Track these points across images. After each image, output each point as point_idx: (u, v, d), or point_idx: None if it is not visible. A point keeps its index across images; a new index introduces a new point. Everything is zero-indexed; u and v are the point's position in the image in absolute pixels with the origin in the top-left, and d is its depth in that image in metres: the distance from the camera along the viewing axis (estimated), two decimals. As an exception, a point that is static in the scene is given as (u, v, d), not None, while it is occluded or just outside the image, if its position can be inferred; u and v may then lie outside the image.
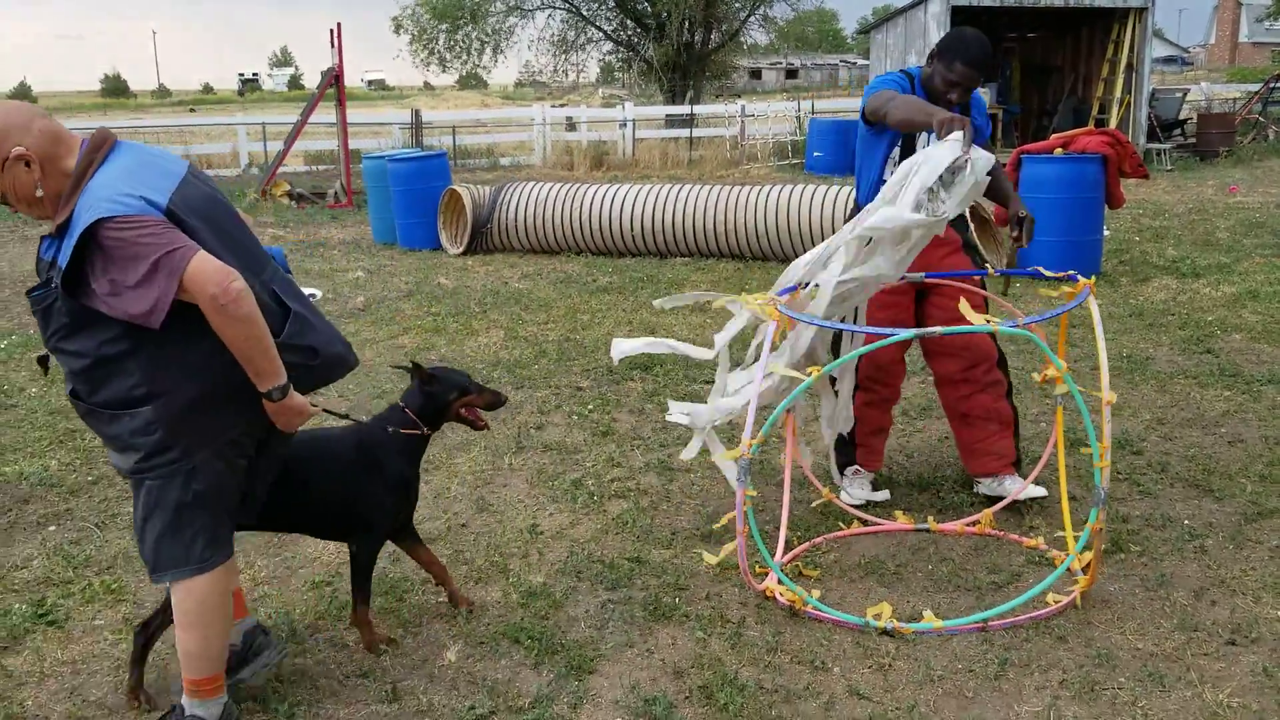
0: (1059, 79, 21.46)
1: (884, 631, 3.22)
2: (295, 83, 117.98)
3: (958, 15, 18.27)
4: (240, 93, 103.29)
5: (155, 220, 2.42)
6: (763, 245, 9.69)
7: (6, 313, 8.36)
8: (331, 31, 15.69)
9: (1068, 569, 3.46)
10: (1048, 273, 3.83)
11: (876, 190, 3.97)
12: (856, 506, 4.17)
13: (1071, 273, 3.66)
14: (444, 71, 27.17)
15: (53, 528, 4.28)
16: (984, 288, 4.19)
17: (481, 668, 3.15)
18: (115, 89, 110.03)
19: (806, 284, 3.72)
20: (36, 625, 3.48)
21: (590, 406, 5.60)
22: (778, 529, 3.91)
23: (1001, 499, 4.09)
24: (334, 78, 15.67)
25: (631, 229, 10.14)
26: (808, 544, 3.90)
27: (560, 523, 4.18)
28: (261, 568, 3.88)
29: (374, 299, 8.59)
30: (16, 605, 3.61)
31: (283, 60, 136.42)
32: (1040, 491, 4.10)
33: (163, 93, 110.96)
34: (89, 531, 4.22)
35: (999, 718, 2.82)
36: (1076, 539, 3.57)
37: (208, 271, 2.40)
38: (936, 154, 3.31)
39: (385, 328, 7.55)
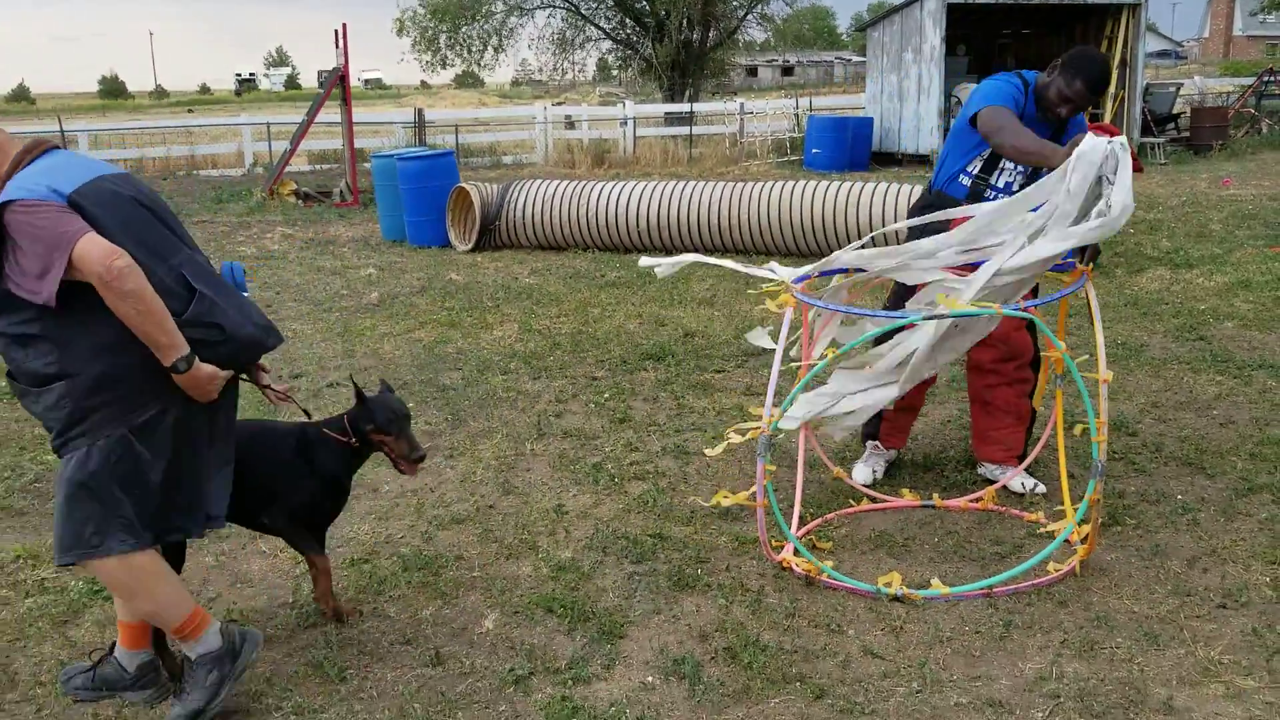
0: (1054, 75, 21.65)
1: (895, 598, 3.44)
2: (292, 82, 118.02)
3: (953, 13, 18.46)
4: (237, 93, 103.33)
5: (54, 205, 2.63)
6: (765, 240, 9.90)
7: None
8: (336, 32, 15.87)
9: (1066, 539, 3.66)
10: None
11: (954, 182, 4.16)
12: (866, 485, 4.38)
13: (1070, 260, 3.86)
14: (444, 69, 27.34)
15: (97, 512, 4.48)
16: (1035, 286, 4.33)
17: (518, 634, 3.36)
18: (113, 90, 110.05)
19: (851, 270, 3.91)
20: (93, 600, 3.68)
21: (606, 395, 5.81)
22: (792, 506, 4.12)
23: (1006, 486, 4.30)
24: (339, 78, 15.86)
25: (638, 225, 10.35)
26: (820, 520, 4.11)
27: (584, 503, 4.39)
28: (301, 547, 4.08)
29: (388, 295, 8.79)
30: (73, 582, 3.81)
31: (279, 60, 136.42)
32: (1039, 487, 4.29)
33: (160, 93, 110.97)
34: (133, 515, 4.42)
35: (1005, 673, 3.03)
36: (1075, 511, 3.77)
37: (93, 250, 2.59)
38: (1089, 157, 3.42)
39: (401, 322, 7.75)
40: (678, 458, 4.86)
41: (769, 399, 3.56)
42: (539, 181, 11.24)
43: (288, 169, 16.69)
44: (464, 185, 11.19)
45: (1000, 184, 4.20)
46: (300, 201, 15.58)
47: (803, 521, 4.08)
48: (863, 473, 4.50)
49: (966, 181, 4.24)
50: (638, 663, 3.17)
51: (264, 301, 8.61)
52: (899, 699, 2.93)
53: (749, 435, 3.89)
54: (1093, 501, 3.44)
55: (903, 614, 3.37)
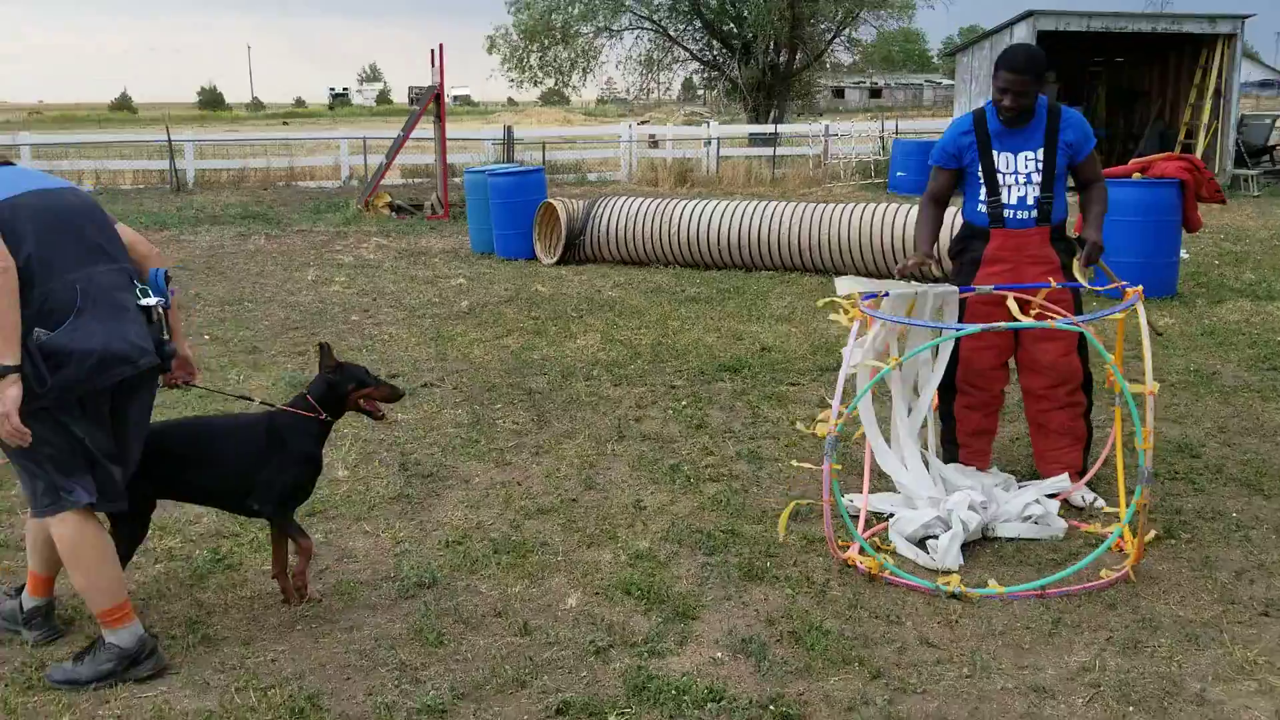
0: (1146, 104, 21.47)
1: (952, 595, 3.66)
2: (384, 97, 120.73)
3: (1043, 39, 18.46)
4: (331, 107, 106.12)
5: None
6: (846, 260, 10.11)
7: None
8: (433, 51, 16.46)
9: (1113, 545, 3.86)
10: (1094, 288, 4.26)
11: (975, 211, 4.46)
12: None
13: (1123, 283, 4.06)
14: (534, 87, 28.00)
15: (215, 492, 4.89)
16: (1078, 302, 4.56)
17: (599, 612, 3.65)
18: (211, 101, 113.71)
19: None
20: (216, 567, 4.07)
21: (684, 402, 6.10)
22: (857, 513, 4.37)
23: (1068, 499, 4.49)
24: (435, 95, 16.45)
25: (719, 243, 10.64)
26: (883, 524, 4.34)
27: (661, 500, 4.68)
28: (401, 528, 4.44)
29: (477, 303, 9.20)
30: (197, 552, 4.21)
31: (372, 76, 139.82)
32: (1099, 501, 4.47)
33: (257, 105, 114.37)
34: (247, 495, 4.82)
35: (1050, 664, 3.25)
36: (1124, 516, 3.96)
37: None
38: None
39: (490, 329, 8.14)
40: (751, 462, 5.13)
41: (836, 400, 3.83)
42: (623, 198, 11.60)
43: (382, 182, 17.31)
44: (551, 201, 11.60)
45: (1013, 201, 4.45)
46: (393, 214, 16.16)
47: (868, 525, 4.32)
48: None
49: (984, 209, 4.50)
50: (708, 641, 3.44)
51: (361, 308, 9.08)
52: (949, 682, 3.16)
53: (814, 428, 4.14)
54: (1140, 506, 3.63)
55: (958, 610, 3.60)
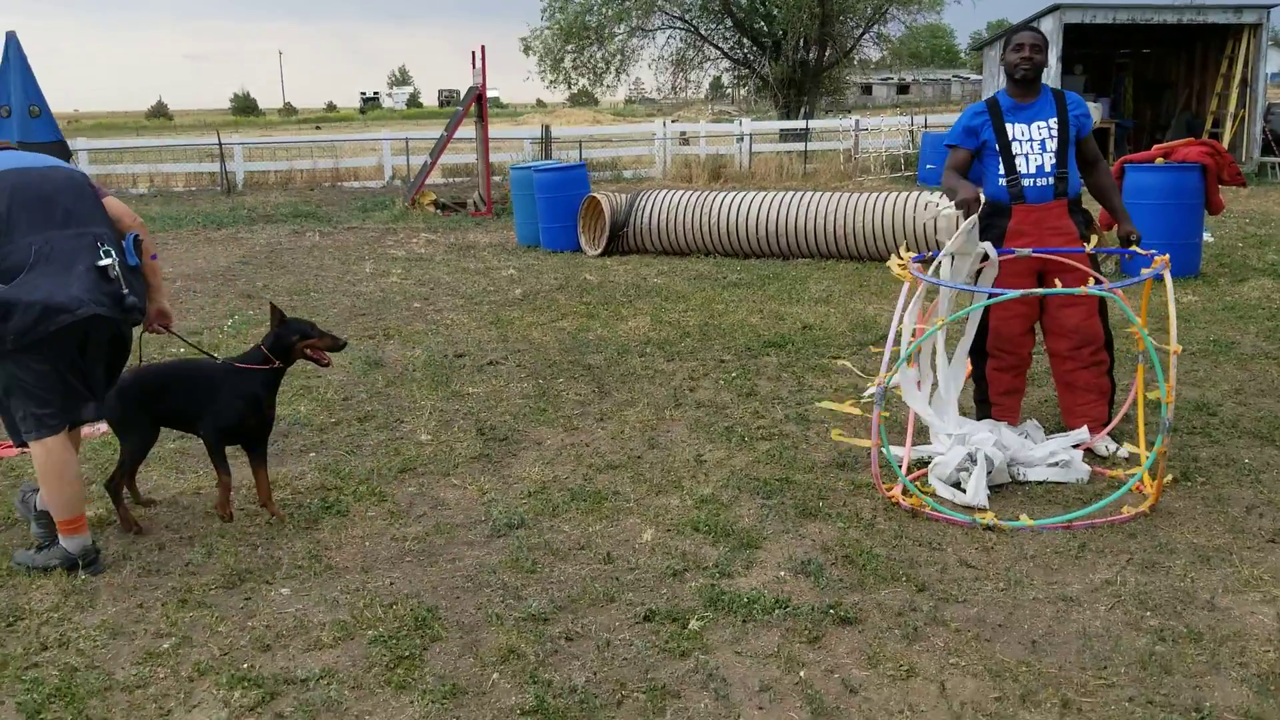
0: (1173, 94, 21.70)
1: (987, 527, 4.10)
2: (414, 100, 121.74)
3: (1070, 32, 18.77)
4: (362, 111, 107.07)
5: None
6: (879, 246, 10.52)
7: (220, 299, 9.67)
8: (474, 54, 17.01)
9: (1133, 487, 4.28)
10: (1139, 250, 4.67)
11: (996, 187, 4.87)
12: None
13: (1153, 251, 4.48)
14: (569, 88, 28.51)
15: (313, 454, 5.39)
16: (1097, 269, 4.98)
17: (672, 543, 4.12)
18: (245, 107, 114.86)
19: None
20: (327, 514, 4.56)
21: (734, 374, 6.55)
22: (900, 460, 4.80)
23: (1091, 448, 4.91)
24: (476, 97, 16.98)
25: (757, 232, 11.08)
26: (923, 470, 4.77)
27: (719, 456, 5.14)
28: (485, 482, 4.91)
29: (530, 291, 9.68)
30: (308, 500, 4.70)
31: (401, 79, 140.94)
32: (1121, 450, 4.89)
33: (289, 110, 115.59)
34: (342, 456, 5.32)
35: (1076, 580, 3.68)
36: (1145, 461, 4.38)
37: None
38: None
39: (545, 313, 8.62)
40: (799, 424, 5.57)
41: (884, 360, 4.27)
42: (664, 191, 12.07)
43: (425, 181, 17.86)
44: (595, 195, 12.08)
45: (1031, 170, 4.85)
46: (438, 211, 16.70)
47: (909, 471, 4.76)
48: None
49: (1004, 183, 4.91)
50: (771, 564, 3.90)
51: (421, 296, 9.59)
52: (986, 593, 3.60)
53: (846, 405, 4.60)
54: (1160, 453, 4.06)
55: (993, 539, 4.04)
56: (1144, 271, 4.52)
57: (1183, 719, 2.87)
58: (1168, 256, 4.45)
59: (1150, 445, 4.59)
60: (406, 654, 3.34)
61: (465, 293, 9.72)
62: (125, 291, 3.97)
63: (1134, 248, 4.80)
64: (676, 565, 3.91)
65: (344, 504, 4.65)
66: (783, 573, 3.83)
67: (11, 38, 10.83)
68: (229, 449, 4.54)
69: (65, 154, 11.07)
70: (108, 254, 3.94)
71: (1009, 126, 4.87)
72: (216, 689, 3.17)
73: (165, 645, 3.44)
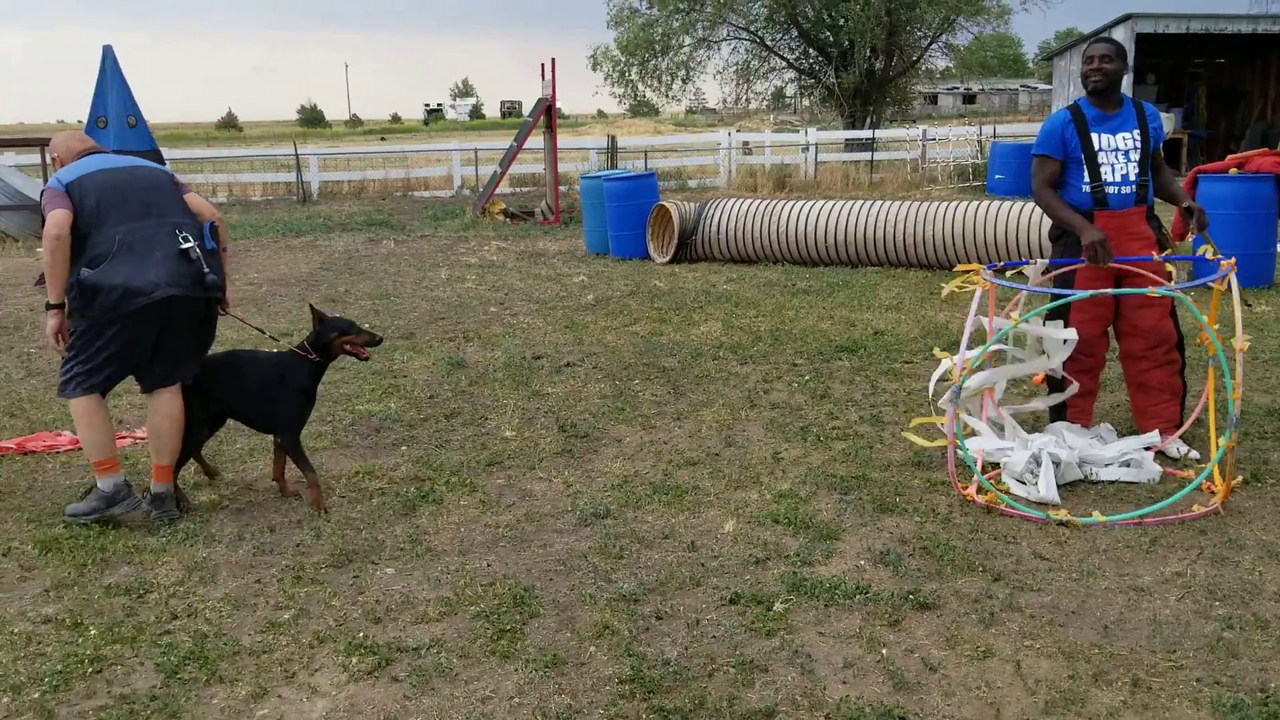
0: (1247, 104, 21.44)
1: (1060, 523, 4.23)
2: (476, 112, 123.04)
3: (1143, 42, 18.66)
4: (425, 122, 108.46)
5: (55, 190, 4.40)
6: (949, 255, 10.61)
7: (305, 302, 10.03)
8: (543, 65, 17.33)
9: (1203, 484, 4.39)
10: (1208, 255, 4.78)
11: (1079, 194, 5.02)
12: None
13: (1219, 256, 4.58)
14: (635, 99, 28.80)
15: (404, 448, 5.65)
16: (1170, 279, 5.09)
17: (754, 534, 4.30)
18: (312, 119, 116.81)
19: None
20: (423, 502, 4.81)
21: (807, 377, 6.72)
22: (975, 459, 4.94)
23: (1162, 450, 5.01)
24: (546, 108, 17.31)
25: (826, 240, 11.23)
26: (997, 470, 4.91)
27: (795, 454, 5.31)
28: (569, 475, 5.13)
29: (602, 297, 9.92)
30: (404, 490, 4.96)
31: (464, 91, 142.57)
32: (1193, 453, 4.99)
33: (355, 122, 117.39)
34: (432, 450, 5.58)
35: (1147, 572, 3.81)
36: (1213, 458, 4.48)
37: (49, 219, 4.31)
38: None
39: (618, 318, 8.85)
40: (873, 425, 5.73)
41: (959, 357, 4.43)
42: (732, 200, 12.25)
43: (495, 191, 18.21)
44: (664, 203, 12.31)
45: (1116, 179, 4.96)
46: (508, 220, 17.04)
47: (985, 470, 4.89)
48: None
49: (1087, 190, 5.01)
50: (850, 554, 4.07)
51: (496, 301, 9.87)
52: (1060, 583, 3.74)
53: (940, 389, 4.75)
54: (1228, 449, 4.16)
55: (1066, 534, 4.17)
56: (1222, 267, 4.61)
57: (1248, 699, 2.99)
58: (1234, 260, 4.55)
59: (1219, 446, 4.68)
60: (507, 628, 3.56)
61: (539, 298, 9.99)
62: (206, 271, 4.54)
63: (1202, 225, 4.87)
64: (759, 554, 4.10)
65: (438, 493, 4.90)
66: (862, 562, 4.00)
67: (108, 51, 11.34)
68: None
69: (159, 163, 11.55)
70: (186, 239, 4.52)
71: (1095, 136, 4.99)
72: (335, 655, 3.42)
73: (285, 616, 3.70)
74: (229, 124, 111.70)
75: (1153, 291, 4.27)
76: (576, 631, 3.53)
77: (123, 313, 4.36)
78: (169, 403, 4.62)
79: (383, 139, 59.73)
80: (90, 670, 3.35)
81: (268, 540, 4.39)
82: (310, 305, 5.05)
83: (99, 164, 4.57)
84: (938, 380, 4.90)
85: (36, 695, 3.22)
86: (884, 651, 3.33)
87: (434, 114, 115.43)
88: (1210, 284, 4.61)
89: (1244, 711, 2.94)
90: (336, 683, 3.27)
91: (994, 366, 5.06)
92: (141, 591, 3.92)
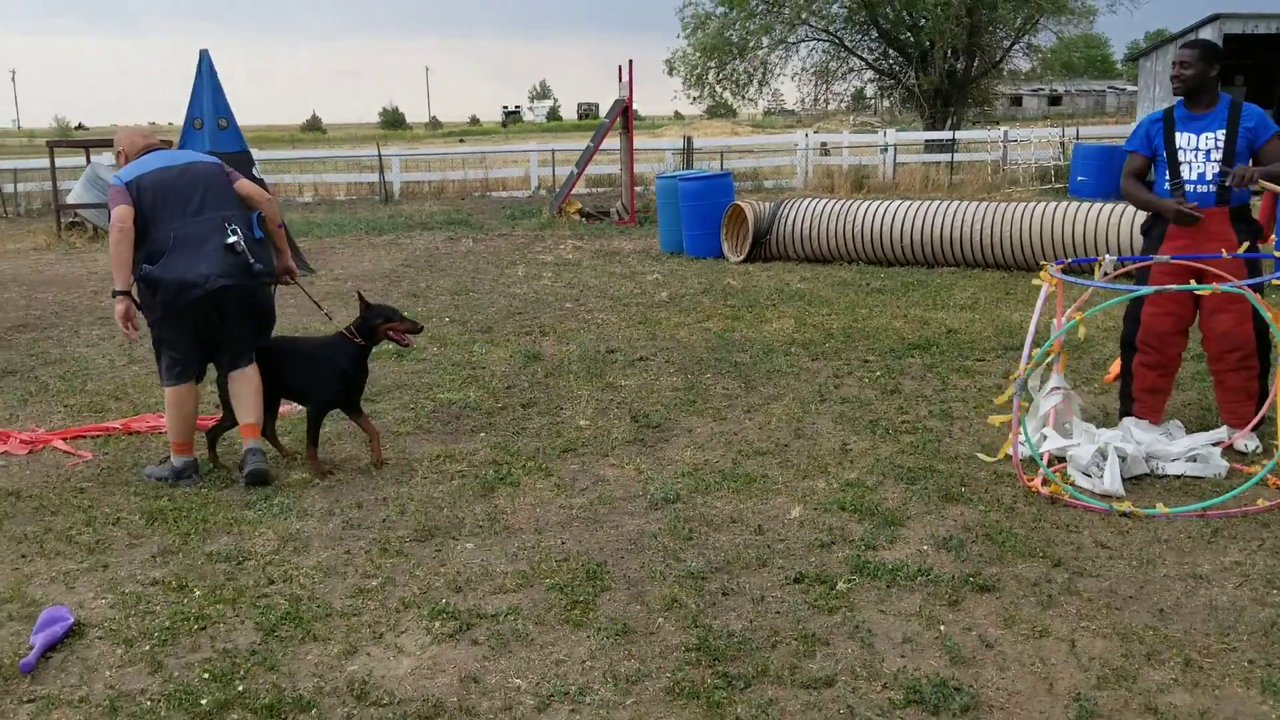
0: (1341, 104, 20.87)
1: (1123, 514, 4.30)
2: (553, 114, 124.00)
3: (1230, 42, 18.29)
4: (503, 124, 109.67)
5: (118, 186, 4.87)
6: (1027, 255, 10.57)
7: (389, 297, 10.37)
8: (620, 67, 17.58)
9: (1268, 476, 4.42)
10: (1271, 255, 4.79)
11: (1161, 190, 5.15)
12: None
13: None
14: (714, 101, 28.96)
15: (483, 434, 5.88)
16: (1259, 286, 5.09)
17: (820, 519, 4.44)
18: (393, 121, 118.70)
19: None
20: (501, 484, 5.02)
21: (878, 373, 6.81)
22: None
23: (1232, 446, 5.04)
24: (624, 109, 17.54)
25: (901, 240, 11.26)
26: (1061, 464, 4.97)
27: (864, 446, 5.43)
28: (641, 462, 5.30)
29: (675, 294, 10.09)
30: (483, 472, 5.18)
31: (541, 94, 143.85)
32: (1260, 448, 5.00)
33: (435, 124, 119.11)
34: (510, 437, 5.79)
35: (1207, 561, 3.87)
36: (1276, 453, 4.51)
37: (114, 214, 4.78)
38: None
39: (691, 314, 9.01)
40: (943, 420, 5.81)
41: (1025, 353, 4.51)
42: (808, 200, 12.34)
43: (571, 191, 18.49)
44: (739, 203, 12.44)
45: (1193, 177, 5.04)
46: (583, 219, 17.31)
47: (1050, 464, 4.96)
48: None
49: (1168, 187, 5.13)
50: (914, 540, 4.19)
51: (571, 297, 10.10)
52: (1119, 570, 3.82)
53: (1006, 394, 4.83)
54: (1293, 444, 4.20)
55: (1129, 525, 4.24)
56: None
57: (1303, 682, 3.06)
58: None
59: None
60: (581, 599, 3.75)
61: (613, 295, 10.19)
62: (252, 261, 4.96)
63: (1242, 179, 4.85)
64: (824, 538, 4.23)
65: (515, 476, 5.11)
66: (925, 547, 4.11)
67: (204, 56, 11.82)
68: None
69: (249, 163, 12.01)
70: (234, 232, 4.92)
71: (1178, 135, 5.09)
72: (419, 619, 3.64)
73: (372, 584, 3.93)
74: (313, 126, 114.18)
75: (1216, 289, 4.31)
76: (646, 604, 3.70)
77: (181, 304, 4.83)
78: (249, 377, 5.10)
79: (461, 140, 60.51)
80: (195, 627, 3.61)
81: (355, 516, 4.63)
82: (358, 293, 5.41)
83: (157, 162, 4.99)
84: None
85: (147, 648, 3.48)
86: (942, 629, 3.45)
87: (511, 116, 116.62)
88: (1275, 280, 4.62)
89: (1296, 693, 3.01)
90: (420, 644, 3.48)
91: (1058, 364, 5.11)
92: (240, 559, 4.18)
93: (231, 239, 4.89)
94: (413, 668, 3.34)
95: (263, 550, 4.27)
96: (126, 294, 4.87)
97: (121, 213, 4.79)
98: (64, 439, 5.79)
